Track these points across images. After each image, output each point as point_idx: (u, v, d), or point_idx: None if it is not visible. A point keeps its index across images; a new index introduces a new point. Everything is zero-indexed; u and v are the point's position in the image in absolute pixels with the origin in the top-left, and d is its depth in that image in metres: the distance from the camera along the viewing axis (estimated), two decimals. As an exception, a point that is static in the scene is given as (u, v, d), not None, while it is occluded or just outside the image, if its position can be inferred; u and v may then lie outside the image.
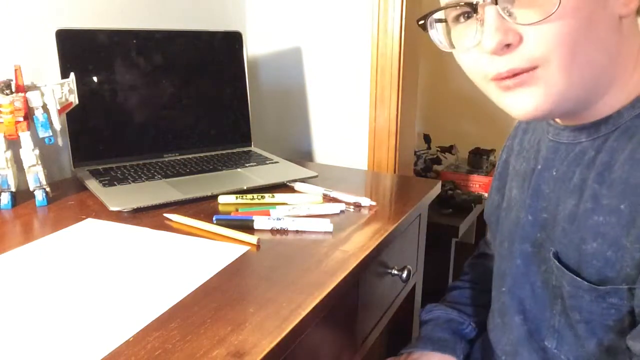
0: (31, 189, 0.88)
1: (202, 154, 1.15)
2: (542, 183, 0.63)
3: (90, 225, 0.80)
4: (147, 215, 0.83)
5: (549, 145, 0.64)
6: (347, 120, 1.36)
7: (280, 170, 1.07)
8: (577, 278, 0.56)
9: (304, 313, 0.56)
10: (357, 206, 0.89)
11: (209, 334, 0.52)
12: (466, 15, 0.54)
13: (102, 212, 0.84)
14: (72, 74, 0.90)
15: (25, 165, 0.87)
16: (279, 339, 0.52)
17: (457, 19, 0.56)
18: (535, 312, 0.64)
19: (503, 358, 0.68)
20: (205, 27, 1.28)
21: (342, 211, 0.87)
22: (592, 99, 0.55)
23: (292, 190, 0.96)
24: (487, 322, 0.75)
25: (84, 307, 0.57)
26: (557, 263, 0.58)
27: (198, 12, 1.32)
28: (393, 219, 0.84)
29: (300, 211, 0.84)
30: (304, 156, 1.43)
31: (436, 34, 0.58)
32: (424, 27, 0.57)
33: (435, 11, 0.56)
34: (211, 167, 1.06)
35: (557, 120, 0.63)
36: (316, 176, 1.02)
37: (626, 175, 0.52)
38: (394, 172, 1.30)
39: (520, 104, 0.53)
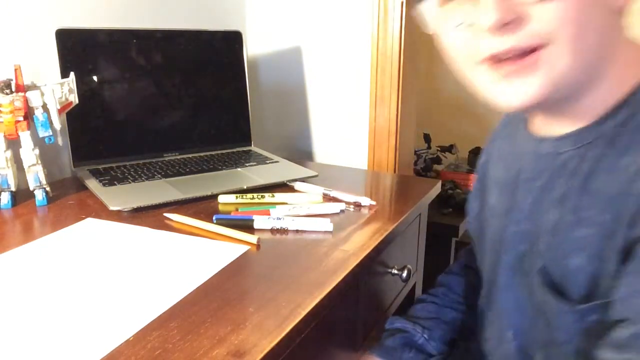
0: (31, 188, 0.88)
1: (202, 154, 1.15)
2: (525, 193, 0.60)
3: (90, 225, 0.80)
4: (147, 215, 0.83)
5: (531, 156, 0.61)
6: (347, 119, 1.36)
7: (280, 169, 1.07)
8: (559, 299, 0.54)
9: (304, 313, 0.56)
10: (357, 206, 0.89)
11: (209, 334, 0.52)
12: None
13: (102, 211, 0.84)
14: (72, 74, 0.90)
15: (25, 165, 0.87)
16: (279, 338, 0.52)
17: None
18: (524, 326, 0.62)
19: None
20: (205, 26, 1.28)
21: (342, 211, 0.87)
22: (583, 91, 0.52)
23: (292, 189, 0.96)
24: (479, 332, 0.74)
25: (84, 307, 0.57)
26: (540, 280, 0.56)
27: (198, 11, 1.32)
28: (393, 218, 0.84)
29: (300, 211, 0.84)
30: (304, 156, 1.43)
31: (426, 10, 0.53)
32: None
33: None
34: (211, 166, 1.06)
35: (535, 128, 0.60)
36: (316, 176, 1.02)
37: (607, 185, 0.50)
38: (394, 171, 1.30)
39: (517, 92, 0.50)
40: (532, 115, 0.61)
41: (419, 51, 1.36)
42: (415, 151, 1.79)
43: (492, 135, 0.75)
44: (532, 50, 0.48)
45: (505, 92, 0.50)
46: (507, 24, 0.47)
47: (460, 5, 0.50)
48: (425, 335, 0.77)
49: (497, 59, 0.49)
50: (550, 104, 0.53)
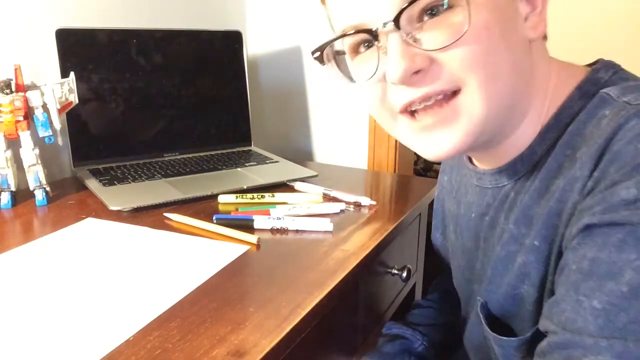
0: (31, 188, 0.88)
1: (202, 154, 1.15)
2: (478, 231, 0.60)
3: (90, 225, 0.80)
4: (147, 215, 0.83)
5: (476, 191, 0.60)
6: (347, 119, 1.36)
7: (280, 169, 1.07)
8: (498, 336, 0.53)
9: (304, 312, 0.56)
10: (357, 205, 0.89)
11: (209, 334, 0.52)
12: (366, 44, 0.48)
13: (102, 211, 0.84)
14: (72, 74, 0.90)
15: (25, 165, 0.87)
16: (279, 338, 0.52)
17: (356, 49, 0.49)
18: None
19: None
20: (205, 26, 1.28)
21: (342, 210, 0.87)
22: (507, 130, 0.51)
23: (292, 189, 0.96)
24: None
25: (84, 307, 0.57)
26: (483, 314, 0.56)
27: (198, 11, 1.32)
28: (393, 218, 0.84)
29: (300, 211, 0.84)
30: (304, 155, 1.43)
31: (333, 68, 0.52)
32: (320, 60, 0.51)
33: (332, 41, 0.50)
34: (211, 166, 1.06)
35: (475, 163, 0.60)
36: (316, 175, 1.02)
37: (541, 210, 0.49)
38: (394, 171, 1.30)
39: (438, 144, 0.48)
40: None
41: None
42: (415, 151, 1.79)
43: (443, 166, 0.75)
44: (448, 97, 0.46)
45: (427, 143, 0.49)
46: (416, 73, 0.45)
47: (368, 57, 0.48)
48: (425, 342, 0.76)
49: (415, 109, 0.47)
50: (477, 147, 0.50)
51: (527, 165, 0.52)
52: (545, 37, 0.52)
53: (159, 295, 0.59)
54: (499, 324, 0.56)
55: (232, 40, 1.20)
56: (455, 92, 0.46)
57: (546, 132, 0.51)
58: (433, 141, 0.48)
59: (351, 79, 0.51)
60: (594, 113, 0.48)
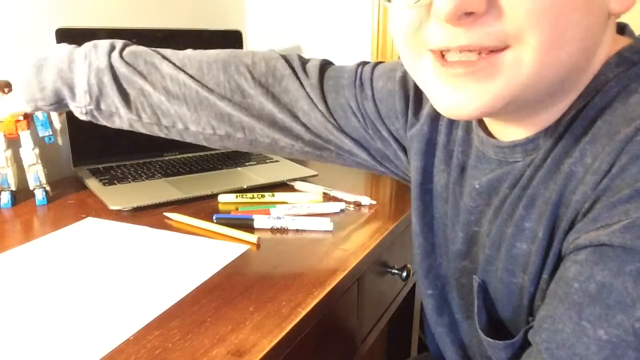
0: (31, 188, 0.88)
1: (202, 153, 1.15)
2: (472, 204, 0.52)
3: (90, 224, 0.80)
4: (147, 214, 0.83)
5: (476, 154, 0.53)
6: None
7: (280, 169, 1.07)
8: (489, 339, 0.49)
9: (304, 312, 0.56)
10: (357, 205, 0.89)
11: (209, 333, 0.52)
12: None
13: (102, 211, 0.84)
14: (72, 73, 0.90)
15: (25, 164, 0.87)
16: (279, 338, 0.52)
17: None
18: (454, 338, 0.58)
19: None
20: (205, 25, 1.28)
21: (342, 210, 0.87)
22: (541, 107, 0.44)
23: (292, 189, 0.96)
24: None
25: (84, 306, 0.57)
26: (476, 299, 0.51)
27: (198, 11, 1.32)
28: (393, 217, 0.84)
29: (300, 210, 0.84)
30: (304, 155, 1.43)
31: None
32: None
33: None
34: (211, 166, 1.06)
35: (489, 126, 0.51)
36: (316, 175, 1.02)
37: (545, 192, 0.44)
38: (394, 171, 1.30)
39: (461, 101, 0.41)
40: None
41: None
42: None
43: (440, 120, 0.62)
44: (495, 52, 0.39)
45: (449, 96, 0.42)
46: (468, 15, 0.37)
47: None
48: None
49: (449, 55, 0.41)
50: (501, 114, 0.45)
51: (549, 142, 0.45)
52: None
53: (159, 294, 0.59)
54: (495, 319, 0.51)
55: (232, 40, 1.20)
56: (503, 48, 0.38)
57: (573, 104, 0.43)
58: (456, 95, 0.41)
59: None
60: (626, 85, 0.41)
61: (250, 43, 1.44)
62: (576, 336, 0.37)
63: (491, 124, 0.51)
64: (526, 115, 0.45)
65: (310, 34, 1.36)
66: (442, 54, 0.41)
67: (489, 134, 0.51)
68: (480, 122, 0.52)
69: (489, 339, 0.49)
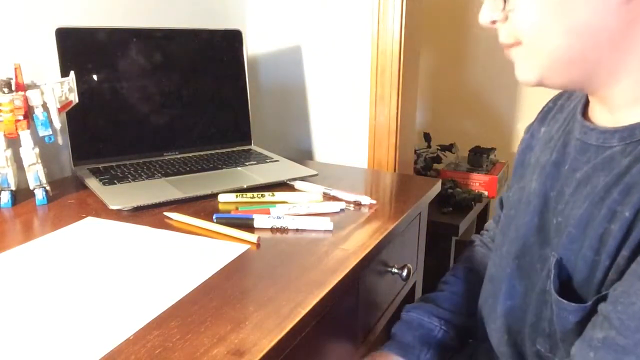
0: (31, 187, 0.88)
1: (202, 153, 1.15)
2: (565, 184, 0.60)
3: (90, 224, 0.80)
4: (147, 214, 0.83)
5: (576, 144, 0.61)
6: (347, 118, 1.36)
7: (280, 168, 1.07)
8: (562, 300, 0.54)
9: (304, 312, 0.56)
10: (357, 205, 0.89)
11: (209, 333, 0.52)
12: None
13: (102, 210, 0.84)
14: (72, 73, 0.90)
15: (25, 164, 0.87)
16: (279, 337, 0.52)
17: None
18: (515, 309, 0.64)
19: None
20: (205, 25, 1.28)
21: (342, 210, 0.87)
22: (595, 83, 0.55)
23: (292, 188, 0.96)
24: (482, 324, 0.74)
25: (84, 306, 0.57)
26: (554, 273, 0.56)
27: (198, 10, 1.31)
28: (393, 217, 0.84)
29: (300, 210, 0.84)
30: (304, 155, 1.43)
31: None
32: None
33: None
34: (211, 165, 1.06)
35: (590, 116, 0.61)
36: (316, 175, 1.02)
37: (632, 176, 0.50)
38: (394, 170, 1.30)
39: (517, 69, 0.58)
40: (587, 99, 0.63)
41: (419, 50, 1.35)
42: (416, 150, 1.79)
43: (541, 116, 0.74)
44: (513, 45, 0.57)
45: (516, 69, 0.59)
46: (494, 23, 0.57)
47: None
48: (444, 327, 0.77)
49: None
50: (569, 87, 0.60)
51: None
52: None
53: (159, 294, 0.59)
54: (566, 287, 0.56)
55: (232, 39, 1.20)
56: (516, 44, 0.56)
57: None
58: (516, 66, 0.59)
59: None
60: None
61: (250, 42, 1.44)
62: None
63: (595, 110, 0.60)
64: (597, 93, 0.57)
65: (310, 34, 1.36)
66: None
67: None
68: (585, 115, 0.62)
69: (562, 300, 0.54)
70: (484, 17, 0.57)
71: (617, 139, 0.55)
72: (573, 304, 0.53)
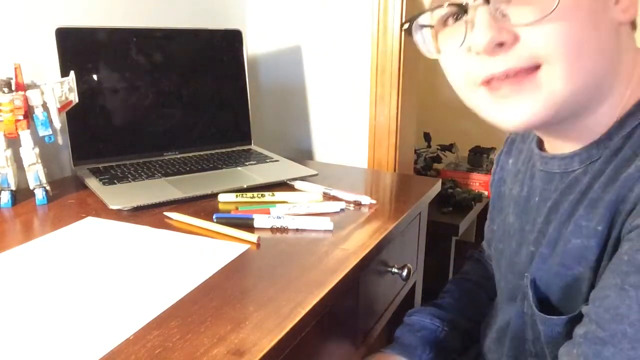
0: (31, 187, 0.88)
1: (202, 153, 1.15)
2: (537, 215, 0.60)
3: (90, 224, 0.80)
4: (147, 214, 0.83)
5: (541, 175, 0.60)
6: (347, 118, 1.36)
7: (280, 168, 1.07)
8: (546, 316, 0.55)
9: (304, 312, 0.56)
10: (357, 204, 0.89)
11: (209, 333, 0.52)
12: (455, 16, 0.51)
13: (102, 210, 0.84)
14: (72, 73, 0.90)
15: (25, 164, 0.87)
16: (279, 337, 0.52)
17: (444, 21, 0.52)
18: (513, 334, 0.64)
19: None
20: (205, 25, 1.28)
21: (342, 209, 0.87)
22: (586, 111, 0.52)
23: (292, 188, 0.96)
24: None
25: (84, 306, 0.57)
26: (530, 293, 0.57)
27: (198, 10, 1.31)
28: (393, 217, 0.84)
29: (300, 209, 0.84)
30: (304, 154, 1.43)
31: (422, 39, 0.55)
32: (409, 32, 0.54)
33: (421, 14, 0.53)
34: (211, 165, 1.06)
35: (546, 148, 0.61)
36: (316, 174, 1.02)
37: (606, 194, 0.50)
38: (394, 170, 1.30)
39: (516, 113, 0.49)
40: (538, 133, 0.61)
41: (419, 49, 1.35)
42: (416, 150, 1.79)
43: (506, 148, 0.74)
44: (529, 71, 0.48)
45: (505, 110, 0.50)
46: (501, 45, 0.47)
47: (456, 30, 0.51)
48: (446, 328, 0.77)
49: (495, 81, 0.49)
50: (553, 124, 0.53)
51: (602, 151, 0.52)
52: (634, 27, 0.52)
53: (159, 294, 0.59)
54: (546, 305, 0.56)
55: (232, 39, 1.20)
56: (536, 67, 0.47)
57: (626, 118, 0.51)
58: (512, 109, 0.50)
59: (437, 50, 0.54)
60: None
61: (250, 42, 1.44)
62: (620, 299, 0.43)
63: (550, 142, 0.59)
64: (574, 123, 0.53)
65: (310, 34, 1.36)
66: (490, 85, 0.50)
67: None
68: (541, 148, 0.61)
69: (546, 315, 0.55)
70: (484, 39, 0.47)
71: (577, 162, 0.55)
72: (562, 317, 0.53)
